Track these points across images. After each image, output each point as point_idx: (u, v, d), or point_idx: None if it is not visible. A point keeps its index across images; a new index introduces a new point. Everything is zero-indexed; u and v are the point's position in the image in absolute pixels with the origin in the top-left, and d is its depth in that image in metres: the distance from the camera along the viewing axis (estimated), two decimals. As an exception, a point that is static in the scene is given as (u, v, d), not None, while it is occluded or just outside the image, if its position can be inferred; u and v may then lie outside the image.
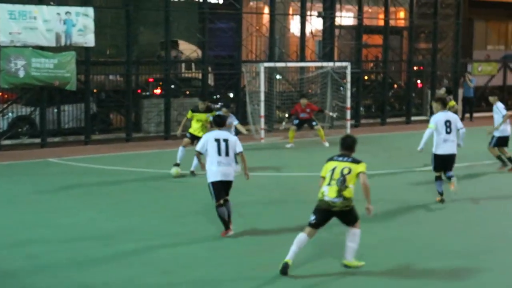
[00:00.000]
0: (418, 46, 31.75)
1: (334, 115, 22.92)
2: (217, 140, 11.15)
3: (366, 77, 29.80)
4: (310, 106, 21.90)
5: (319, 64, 26.06)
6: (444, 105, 13.92)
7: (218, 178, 11.02)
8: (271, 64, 24.70)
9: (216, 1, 26.89)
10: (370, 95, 29.07)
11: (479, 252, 10.37)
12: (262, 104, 23.25)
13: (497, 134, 17.24)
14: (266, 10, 27.15)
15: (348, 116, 24.84)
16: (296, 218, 11.80)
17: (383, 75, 29.02)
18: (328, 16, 27.25)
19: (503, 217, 12.73)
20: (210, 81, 26.13)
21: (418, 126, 27.88)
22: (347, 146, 9.41)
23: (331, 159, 9.44)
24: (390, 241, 10.93)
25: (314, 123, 21.75)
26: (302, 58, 26.51)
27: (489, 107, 34.31)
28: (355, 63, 27.42)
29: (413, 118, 29.31)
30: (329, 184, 9.14)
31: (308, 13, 27.11)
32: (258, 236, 11.14)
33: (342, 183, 9.03)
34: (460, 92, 30.21)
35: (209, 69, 25.47)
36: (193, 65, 27.36)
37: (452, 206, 13.39)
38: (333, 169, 9.19)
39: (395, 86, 30.81)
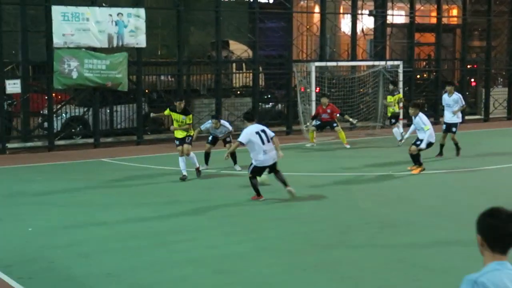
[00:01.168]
0: (471, 44, 31.23)
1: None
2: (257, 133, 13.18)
3: (418, 76, 29.35)
4: (331, 107, 21.45)
5: (370, 63, 25.75)
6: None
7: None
8: (322, 64, 24.48)
9: (266, 1, 26.80)
10: (423, 94, 28.59)
11: None
12: (313, 104, 23.02)
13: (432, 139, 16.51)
14: (317, 9, 26.94)
15: (401, 115, 24.41)
16: (343, 219, 11.60)
17: (436, 73, 28.55)
18: (379, 14, 26.96)
19: None
20: (261, 81, 26.01)
21: (471, 125, 27.38)
22: None
23: None
24: None
25: (335, 125, 21.30)
26: (353, 57, 26.24)
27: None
28: (407, 61, 27.04)
29: (467, 117, 28.71)
30: None
31: (359, 11, 26.85)
32: (308, 236, 10.96)
33: None
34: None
35: (260, 68, 25.37)
36: (243, 65, 27.28)
37: None
38: None
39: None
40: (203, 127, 17.70)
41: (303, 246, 10.39)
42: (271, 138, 13.35)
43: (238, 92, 25.65)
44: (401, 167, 17.14)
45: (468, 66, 30.08)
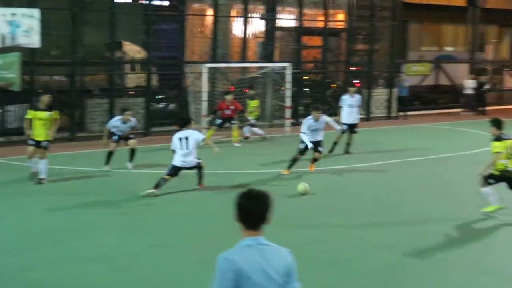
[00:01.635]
0: (355, 47, 32.54)
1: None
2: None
3: (305, 77, 30.41)
4: (234, 103, 22.41)
5: (260, 64, 26.61)
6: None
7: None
8: (214, 65, 25.12)
9: (161, 3, 27.15)
10: (309, 94, 29.68)
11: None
12: (205, 104, 23.66)
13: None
14: (210, 12, 27.53)
15: (288, 114, 25.44)
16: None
17: (322, 75, 29.70)
18: (269, 18, 27.83)
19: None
20: (155, 81, 26.41)
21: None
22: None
23: (501, 138, 12.21)
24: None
25: (233, 122, 22.27)
26: (244, 59, 27.00)
27: (422, 106, 35.57)
28: (295, 63, 28.03)
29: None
30: (509, 158, 12.07)
31: (250, 15, 27.62)
32: (201, 232, 11.60)
33: None
34: (395, 91, 31.11)
35: (153, 69, 25.78)
36: (137, 66, 27.55)
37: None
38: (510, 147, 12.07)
39: (334, 86, 31.52)
40: (110, 124, 17.65)
41: (197, 242, 11.03)
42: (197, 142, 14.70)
43: (131, 93, 25.95)
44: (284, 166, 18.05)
45: (353, 68, 31.37)
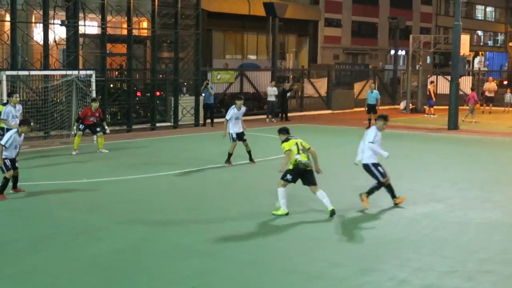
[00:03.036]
0: (161, 55, 32.64)
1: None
2: None
3: (112, 85, 30.01)
4: (99, 111, 22.39)
5: (63, 72, 25.87)
6: None
7: None
8: (14, 73, 24.10)
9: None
10: (116, 102, 29.30)
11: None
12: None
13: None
14: (8, 17, 26.36)
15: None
16: (38, 227, 11.81)
17: (128, 83, 29.41)
18: (71, 24, 27.12)
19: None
20: None
21: (163, 131, 28.82)
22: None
23: (288, 139, 13.62)
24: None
25: (98, 129, 22.21)
26: (46, 67, 26.13)
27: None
28: (100, 71, 27.60)
29: (158, 124, 30.10)
30: (298, 153, 13.34)
31: (51, 21, 26.80)
32: (4, 247, 11.05)
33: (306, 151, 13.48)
34: (201, 98, 31.46)
35: None
36: None
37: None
38: (296, 144, 13.46)
39: (140, 93, 31.34)
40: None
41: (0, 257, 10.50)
42: None
43: None
44: (93, 175, 17.70)
45: (159, 76, 31.28)
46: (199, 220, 13.17)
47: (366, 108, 30.99)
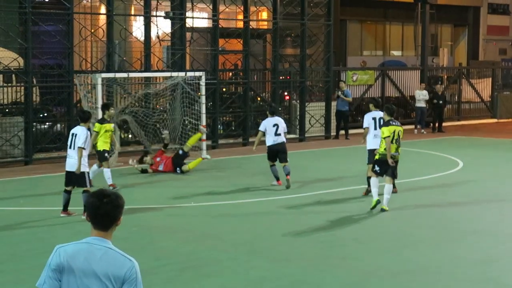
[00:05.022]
0: (284, 52, 32.72)
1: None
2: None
3: (224, 89, 30.35)
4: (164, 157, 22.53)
5: (167, 74, 26.36)
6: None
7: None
8: (110, 75, 24.78)
9: (41, -1, 26.76)
10: (229, 110, 29.56)
11: None
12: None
13: None
14: (103, 9, 27.23)
15: (204, 136, 25.22)
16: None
17: (244, 86, 29.64)
18: (177, 16, 27.63)
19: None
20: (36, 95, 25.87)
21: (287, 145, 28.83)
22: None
23: (389, 123, 16.06)
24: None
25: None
26: (147, 68, 26.74)
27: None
28: (210, 72, 27.91)
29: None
30: (392, 143, 15.81)
31: (154, 13, 27.43)
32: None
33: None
34: (334, 105, 31.31)
35: (34, 81, 25.24)
36: (13, 77, 26.97)
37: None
38: (394, 132, 15.84)
39: (258, 99, 31.53)
40: None
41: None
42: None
43: (7, 110, 25.35)
44: (202, 198, 17.95)
45: (281, 78, 31.34)
46: (329, 255, 13.06)
47: None
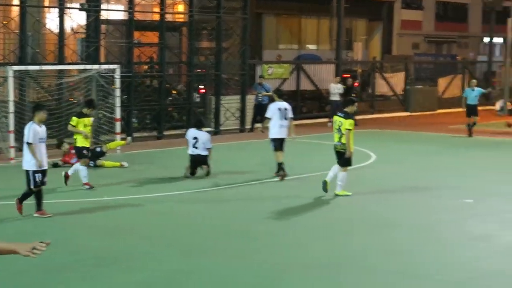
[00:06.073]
0: (200, 45, 32.76)
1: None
2: None
3: (140, 82, 30.27)
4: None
5: (82, 67, 26.24)
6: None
7: None
8: (22, 67, 24.56)
9: None
10: (144, 103, 29.50)
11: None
12: (12, 117, 23.04)
13: None
14: (16, 1, 26.92)
15: (118, 129, 25.22)
16: (53, 256, 12.12)
17: (160, 79, 29.61)
18: (92, 9, 27.46)
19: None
20: None
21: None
22: None
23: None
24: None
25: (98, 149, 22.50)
26: (61, 60, 26.55)
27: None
28: (125, 65, 27.83)
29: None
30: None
31: (68, 5, 27.22)
32: (11, 279, 11.33)
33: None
34: (252, 98, 31.54)
35: None
36: None
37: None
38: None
39: (174, 92, 31.54)
40: None
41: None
42: None
43: None
44: (116, 191, 17.99)
45: (196, 71, 31.33)
46: (245, 247, 13.31)
47: (466, 110, 30.24)
